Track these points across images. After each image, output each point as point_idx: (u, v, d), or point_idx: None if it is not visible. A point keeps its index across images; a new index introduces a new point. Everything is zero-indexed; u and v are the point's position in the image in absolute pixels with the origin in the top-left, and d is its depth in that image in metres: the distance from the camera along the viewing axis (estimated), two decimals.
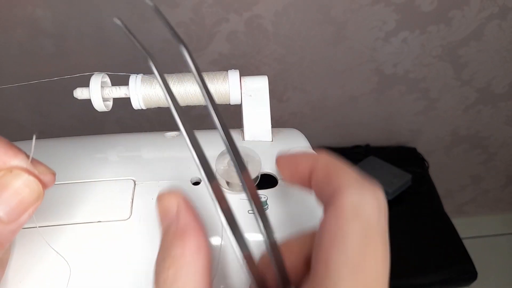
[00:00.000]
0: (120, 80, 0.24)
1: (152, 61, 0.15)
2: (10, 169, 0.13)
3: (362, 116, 0.84)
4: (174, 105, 0.14)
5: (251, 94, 0.24)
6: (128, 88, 0.24)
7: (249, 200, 0.15)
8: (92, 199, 0.21)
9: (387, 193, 0.77)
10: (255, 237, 0.20)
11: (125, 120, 0.76)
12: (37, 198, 0.14)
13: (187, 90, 0.24)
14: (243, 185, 0.15)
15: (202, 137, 0.25)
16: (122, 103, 0.31)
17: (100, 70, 0.25)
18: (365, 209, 0.13)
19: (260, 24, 0.66)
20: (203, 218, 0.20)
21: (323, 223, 0.13)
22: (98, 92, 0.23)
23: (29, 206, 0.14)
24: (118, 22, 0.15)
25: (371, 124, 0.86)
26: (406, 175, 0.79)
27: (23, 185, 0.13)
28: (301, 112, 0.82)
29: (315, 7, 0.65)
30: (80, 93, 0.23)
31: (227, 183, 0.20)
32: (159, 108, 0.25)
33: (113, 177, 0.22)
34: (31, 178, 0.14)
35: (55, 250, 0.19)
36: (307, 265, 0.14)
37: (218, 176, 0.21)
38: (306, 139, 0.25)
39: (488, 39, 0.73)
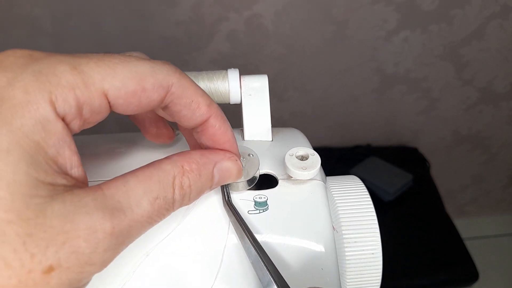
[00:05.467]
0: None
1: None
2: (230, 156, 0.19)
3: (363, 115, 0.84)
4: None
5: (251, 93, 0.24)
6: None
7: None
8: None
9: (388, 193, 0.77)
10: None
11: (124, 120, 0.76)
12: (235, 179, 0.19)
13: None
14: None
15: None
16: None
17: None
18: None
19: (260, 23, 0.66)
20: (206, 219, 0.20)
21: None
22: None
23: (228, 182, 0.19)
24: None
25: (372, 124, 0.86)
26: (407, 175, 0.79)
27: (235, 168, 0.19)
28: (302, 111, 0.82)
29: (316, 6, 0.65)
30: None
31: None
32: None
33: (111, 177, 0.21)
34: (240, 164, 0.19)
35: None
36: None
37: None
38: (306, 138, 0.25)
39: (489, 39, 0.73)
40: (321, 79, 0.76)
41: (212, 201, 0.20)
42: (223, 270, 0.19)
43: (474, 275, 0.70)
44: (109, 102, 0.15)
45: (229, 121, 0.19)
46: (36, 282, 0.12)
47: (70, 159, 0.15)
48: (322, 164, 0.21)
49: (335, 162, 0.84)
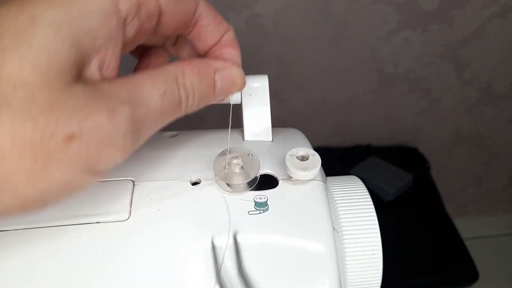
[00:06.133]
0: None
1: None
2: (231, 64, 0.20)
3: (363, 116, 0.84)
4: None
5: (251, 93, 0.24)
6: None
7: None
8: (90, 200, 0.20)
9: (388, 193, 0.77)
10: (255, 238, 0.19)
11: None
12: (240, 88, 0.20)
13: None
14: None
15: (201, 137, 0.25)
16: None
17: None
18: None
19: (260, 23, 0.66)
20: (204, 218, 0.20)
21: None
22: None
23: (233, 91, 0.20)
24: None
25: (372, 124, 0.86)
26: (407, 175, 0.79)
27: (238, 74, 0.20)
28: (301, 112, 0.82)
29: (316, 6, 0.65)
30: None
31: (227, 184, 0.20)
32: None
33: (111, 177, 0.21)
34: (242, 72, 0.20)
35: None
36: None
37: (217, 178, 0.21)
38: (306, 139, 0.25)
39: (489, 39, 0.73)
40: (321, 79, 0.76)
41: (213, 200, 0.20)
42: (223, 272, 0.19)
43: (474, 275, 0.70)
44: (160, 8, 0.17)
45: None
46: (57, 145, 0.13)
47: (109, 59, 0.16)
48: (322, 164, 0.21)
49: (335, 162, 0.84)
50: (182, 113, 0.18)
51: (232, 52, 0.20)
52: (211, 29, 0.20)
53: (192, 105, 0.18)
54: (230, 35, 0.20)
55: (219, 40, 0.20)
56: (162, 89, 0.16)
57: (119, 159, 0.15)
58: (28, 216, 0.19)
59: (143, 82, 0.16)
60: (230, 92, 0.20)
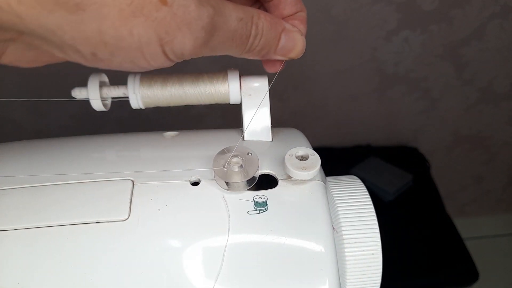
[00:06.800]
0: (118, 80, 0.24)
1: None
2: (298, 30, 0.21)
3: (363, 115, 0.84)
4: None
5: (251, 93, 0.24)
6: (126, 87, 0.23)
7: None
8: (90, 199, 0.20)
9: (388, 193, 0.77)
10: (254, 238, 0.19)
11: (124, 120, 0.76)
12: (298, 55, 0.21)
13: (186, 91, 0.24)
14: None
15: (201, 137, 0.25)
16: (121, 103, 0.31)
17: (99, 69, 0.24)
18: None
19: None
20: (204, 218, 0.20)
21: None
22: (97, 92, 0.23)
23: (291, 54, 0.21)
24: None
25: (372, 123, 0.86)
26: (407, 175, 0.79)
27: (301, 40, 0.21)
28: (301, 112, 0.82)
29: (316, 6, 0.65)
30: (78, 93, 0.23)
31: (226, 183, 0.20)
32: (158, 108, 0.25)
33: (111, 177, 0.21)
34: (304, 41, 0.21)
35: None
36: None
37: (216, 177, 0.21)
38: (306, 139, 0.25)
39: (489, 39, 0.73)
40: (321, 79, 0.76)
41: (212, 200, 0.20)
42: (223, 273, 0.19)
43: (474, 275, 0.70)
44: None
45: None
46: (152, 1, 0.15)
47: None
48: (322, 164, 0.21)
49: (335, 162, 0.84)
50: (245, 50, 0.19)
51: (300, 25, 0.22)
52: (290, 1, 0.22)
53: (255, 47, 0.19)
54: (302, 14, 0.22)
55: (293, 14, 0.22)
56: (240, 16, 0.18)
57: (187, 49, 0.16)
58: (28, 215, 0.19)
59: (228, 4, 0.18)
60: (289, 53, 0.21)
